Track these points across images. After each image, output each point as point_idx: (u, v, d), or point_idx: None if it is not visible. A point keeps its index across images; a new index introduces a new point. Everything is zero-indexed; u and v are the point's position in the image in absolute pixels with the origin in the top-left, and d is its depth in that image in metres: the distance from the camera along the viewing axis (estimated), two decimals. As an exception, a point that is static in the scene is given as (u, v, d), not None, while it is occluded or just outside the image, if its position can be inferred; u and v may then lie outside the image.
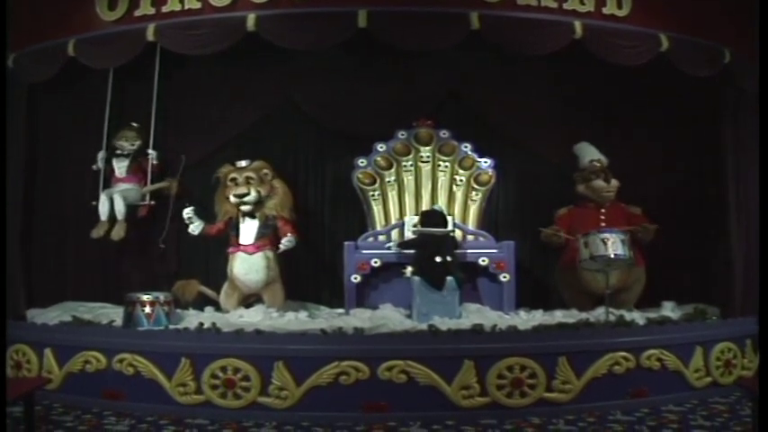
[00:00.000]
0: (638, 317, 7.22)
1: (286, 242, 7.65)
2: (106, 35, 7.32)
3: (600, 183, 7.96)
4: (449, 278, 7.19)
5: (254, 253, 7.66)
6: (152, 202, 8.16)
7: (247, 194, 7.67)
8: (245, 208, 7.71)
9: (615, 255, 7.13)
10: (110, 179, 8.14)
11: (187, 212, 7.73)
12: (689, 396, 6.82)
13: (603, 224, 7.74)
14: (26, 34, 7.57)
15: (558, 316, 7.36)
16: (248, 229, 7.74)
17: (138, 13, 7.23)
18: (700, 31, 7.43)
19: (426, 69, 8.20)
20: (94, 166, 8.14)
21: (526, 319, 7.23)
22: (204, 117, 8.33)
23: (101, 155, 8.11)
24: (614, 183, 7.99)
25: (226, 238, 7.87)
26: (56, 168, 8.42)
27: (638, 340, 6.75)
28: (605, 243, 7.15)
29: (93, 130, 8.24)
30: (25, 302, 7.84)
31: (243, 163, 7.88)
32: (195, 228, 7.75)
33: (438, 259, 7.21)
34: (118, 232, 7.92)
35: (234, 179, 7.75)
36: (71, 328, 7.01)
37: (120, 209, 7.92)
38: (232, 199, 7.70)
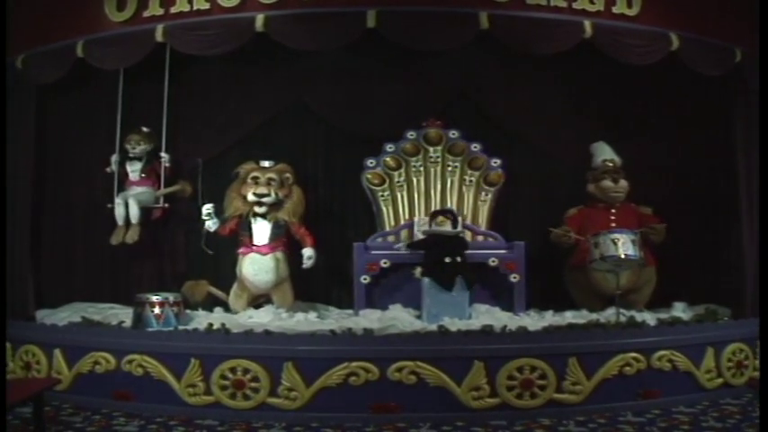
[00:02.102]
0: (648, 317, 7.20)
1: (308, 258, 7.68)
2: (115, 36, 7.32)
3: (608, 183, 7.95)
4: (457, 278, 7.18)
5: (267, 254, 7.64)
6: (166, 205, 8.23)
7: (267, 195, 7.62)
8: (259, 209, 7.68)
9: (625, 255, 7.12)
10: (123, 182, 8.20)
11: (207, 208, 7.66)
12: (700, 397, 6.80)
13: (614, 224, 7.71)
14: (34, 35, 7.58)
15: (569, 317, 7.35)
16: (261, 230, 7.71)
17: (146, 13, 7.23)
18: (710, 30, 7.41)
19: (435, 69, 8.20)
20: (108, 169, 8.18)
21: (536, 320, 7.22)
22: (213, 118, 8.38)
23: (114, 158, 8.15)
24: (623, 183, 7.97)
25: (235, 239, 7.83)
26: (65, 169, 8.44)
27: (648, 341, 6.73)
28: (615, 243, 7.14)
29: (102, 131, 8.27)
30: (34, 303, 7.87)
31: (266, 163, 7.85)
32: (213, 224, 7.68)
33: (447, 260, 7.20)
34: (132, 236, 7.97)
35: (255, 178, 7.70)
36: (80, 329, 7.03)
37: (134, 213, 7.98)
38: (250, 197, 7.66)
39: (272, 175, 7.72)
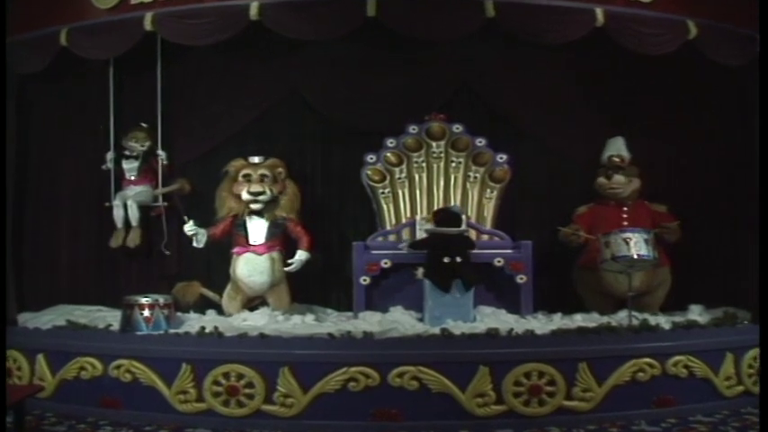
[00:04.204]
0: (663, 321, 7.11)
1: (299, 259, 7.62)
2: (100, 24, 7.25)
3: (601, 180, 7.96)
4: (456, 280, 7.13)
5: (263, 254, 7.59)
6: (165, 204, 8.25)
7: (263, 193, 7.57)
8: (255, 206, 7.62)
9: (638, 255, 7.03)
10: (119, 181, 8.22)
11: (189, 228, 7.59)
12: (719, 406, 6.71)
13: (626, 223, 7.66)
14: (15, 22, 7.43)
15: (578, 320, 7.29)
16: (257, 229, 7.67)
17: (134, 0, 7.16)
18: (731, 16, 7.29)
19: (439, 60, 8.16)
20: (104, 166, 8.21)
21: (544, 323, 7.18)
22: (205, 111, 8.35)
23: (109, 155, 8.19)
24: (618, 179, 7.92)
25: (228, 239, 7.78)
26: (49, 164, 8.43)
27: (663, 346, 6.66)
28: (627, 243, 7.04)
29: (88, 125, 8.29)
30: (17, 306, 7.78)
31: (256, 159, 7.80)
32: (201, 240, 7.64)
33: (446, 260, 7.15)
34: (133, 239, 8.08)
35: (248, 175, 7.66)
36: (65, 333, 6.96)
37: (134, 214, 8.08)
38: (245, 196, 7.61)
39: (264, 171, 7.68)
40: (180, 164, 8.32)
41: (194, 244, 7.65)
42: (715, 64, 7.39)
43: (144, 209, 8.18)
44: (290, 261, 7.62)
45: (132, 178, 8.17)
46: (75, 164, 8.39)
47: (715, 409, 6.65)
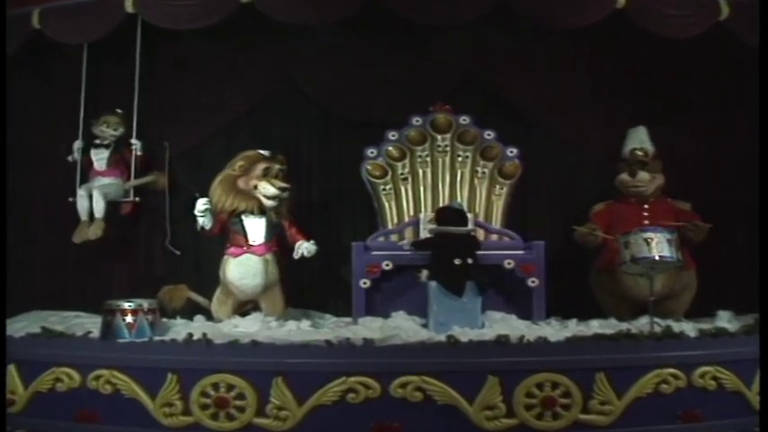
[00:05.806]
0: (688, 328, 6.91)
1: (306, 247, 7.52)
2: (77, 5, 7.25)
3: (624, 176, 7.84)
4: (469, 283, 7.02)
5: (263, 254, 7.50)
6: (137, 199, 8.16)
7: (288, 189, 7.51)
8: (272, 203, 7.50)
9: (660, 256, 6.86)
10: (87, 172, 8.10)
11: (204, 203, 7.43)
12: (753, 422, 6.42)
13: (647, 221, 7.51)
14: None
15: (595, 326, 7.12)
16: (256, 228, 7.56)
17: (114, -21, 7.21)
18: None
19: (444, 47, 8.13)
20: (70, 158, 8.11)
21: (558, 330, 7.01)
22: (192, 101, 8.34)
23: (77, 144, 8.08)
24: (642, 176, 7.79)
25: (221, 238, 7.69)
26: (21, 157, 8.33)
27: (688, 355, 6.44)
28: (649, 243, 6.88)
29: (64, 114, 8.24)
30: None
31: (262, 152, 7.69)
32: (207, 222, 7.50)
33: (457, 261, 7.04)
34: (95, 231, 7.87)
35: (267, 169, 7.55)
36: (40, 341, 6.79)
37: (99, 207, 7.91)
38: (271, 191, 7.44)
39: (280, 165, 7.64)
40: (164, 157, 8.26)
41: (200, 223, 7.48)
42: (748, 47, 7.21)
43: (112, 204, 8.04)
44: (303, 248, 7.52)
45: (101, 169, 8.05)
46: (50, 156, 8.33)
47: (748, 426, 6.41)
